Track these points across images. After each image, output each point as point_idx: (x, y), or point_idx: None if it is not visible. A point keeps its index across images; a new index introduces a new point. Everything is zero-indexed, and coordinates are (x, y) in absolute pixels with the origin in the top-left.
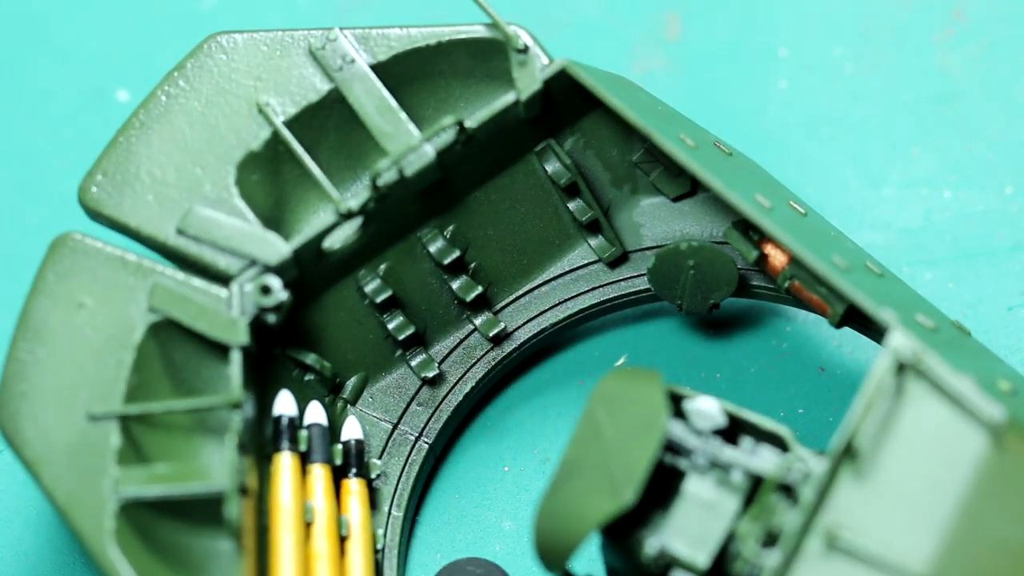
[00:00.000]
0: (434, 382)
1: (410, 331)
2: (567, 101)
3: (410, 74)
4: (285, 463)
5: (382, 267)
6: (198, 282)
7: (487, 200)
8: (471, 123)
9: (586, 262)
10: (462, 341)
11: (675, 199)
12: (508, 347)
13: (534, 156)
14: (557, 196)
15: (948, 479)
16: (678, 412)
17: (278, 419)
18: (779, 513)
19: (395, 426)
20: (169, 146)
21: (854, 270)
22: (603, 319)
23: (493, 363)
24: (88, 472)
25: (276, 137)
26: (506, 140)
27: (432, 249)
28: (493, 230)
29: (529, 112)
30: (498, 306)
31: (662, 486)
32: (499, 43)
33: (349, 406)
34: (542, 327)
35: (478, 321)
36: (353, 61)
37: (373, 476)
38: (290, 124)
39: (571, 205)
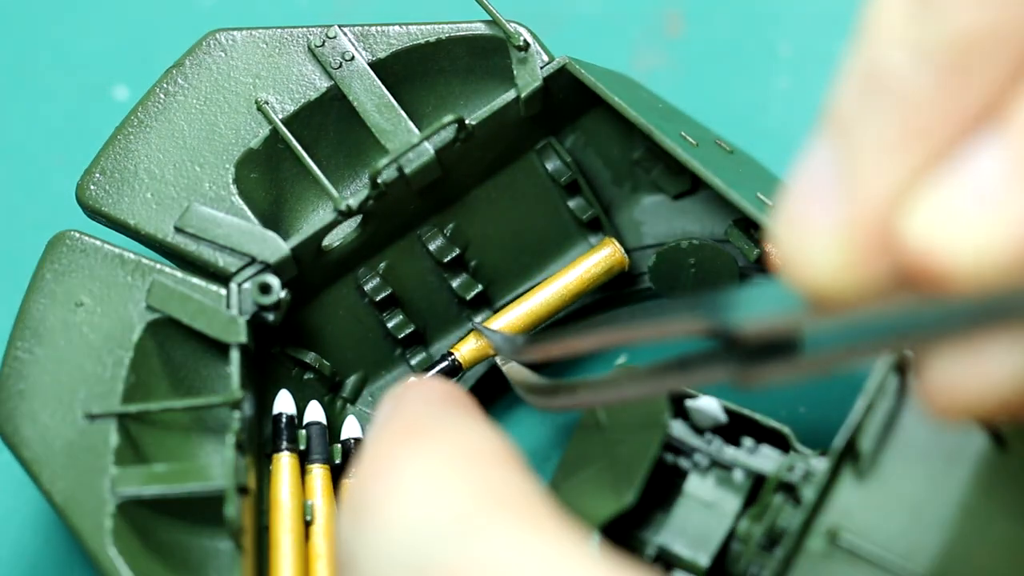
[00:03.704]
0: None
1: (410, 329)
2: (567, 99)
3: (410, 71)
4: (284, 462)
5: (381, 265)
6: (197, 280)
7: (487, 198)
8: (471, 121)
9: None
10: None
11: (676, 197)
12: None
13: (534, 154)
14: (557, 194)
15: (950, 479)
16: (679, 411)
17: (277, 418)
18: (780, 513)
19: None
20: (168, 144)
21: None
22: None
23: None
24: (86, 471)
25: (275, 135)
26: (506, 138)
27: (432, 247)
28: (493, 228)
29: (529, 110)
30: (498, 304)
31: (663, 486)
32: (499, 40)
33: (349, 405)
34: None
35: (479, 319)
36: (352, 58)
37: None
38: (289, 122)
39: (571, 203)
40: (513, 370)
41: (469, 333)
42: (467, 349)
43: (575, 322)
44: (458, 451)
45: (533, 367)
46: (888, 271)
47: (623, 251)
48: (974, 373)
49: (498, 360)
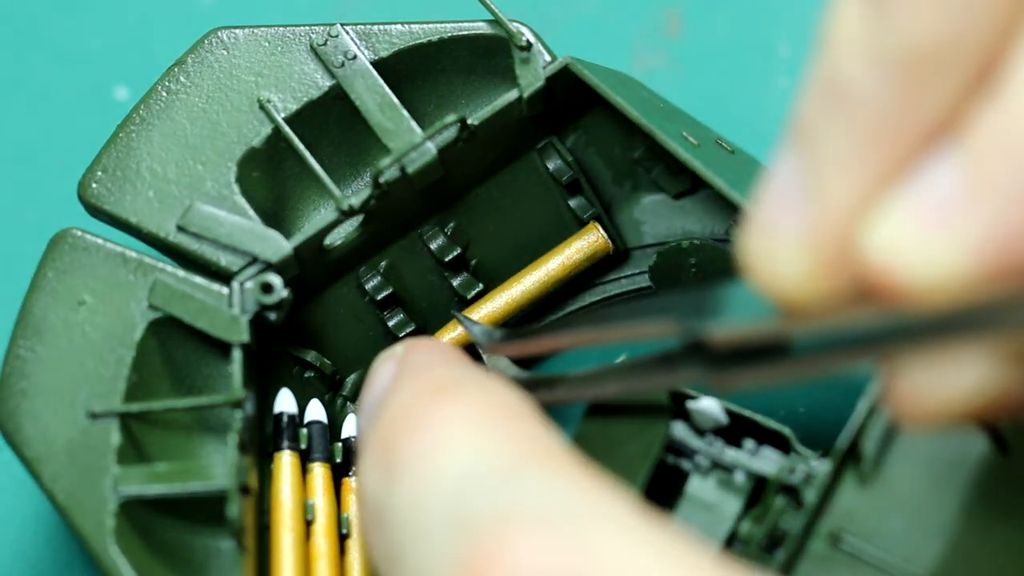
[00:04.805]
0: None
1: (411, 328)
2: (569, 98)
3: (412, 70)
4: (286, 461)
5: (383, 264)
6: (199, 279)
7: (488, 197)
8: (473, 120)
9: None
10: None
11: (676, 196)
12: None
13: (535, 153)
14: (558, 193)
15: (952, 482)
16: (680, 412)
17: (278, 417)
18: (782, 515)
19: None
20: (170, 142)
21: None
22: None
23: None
24: (88, 471)
25: (277, 134)
26: (508, 137)
27: (433, 246)
28: (494, 227)
29: (531, 109)
30: None
31: (664, 487)
32: (501, 40)
33: (349, 403)
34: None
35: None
36: (355, 57)
37: None
38: (291, 120)
39: (572, 202)
40: (494, 362)
41: (450, 322)
42: (448, 339)
43: (567, 317)
44: (490, 405)
45: (516, 359)
46: (852, 282)
47: (606, 236)
48: (939, 384)
49: (481, 352)
